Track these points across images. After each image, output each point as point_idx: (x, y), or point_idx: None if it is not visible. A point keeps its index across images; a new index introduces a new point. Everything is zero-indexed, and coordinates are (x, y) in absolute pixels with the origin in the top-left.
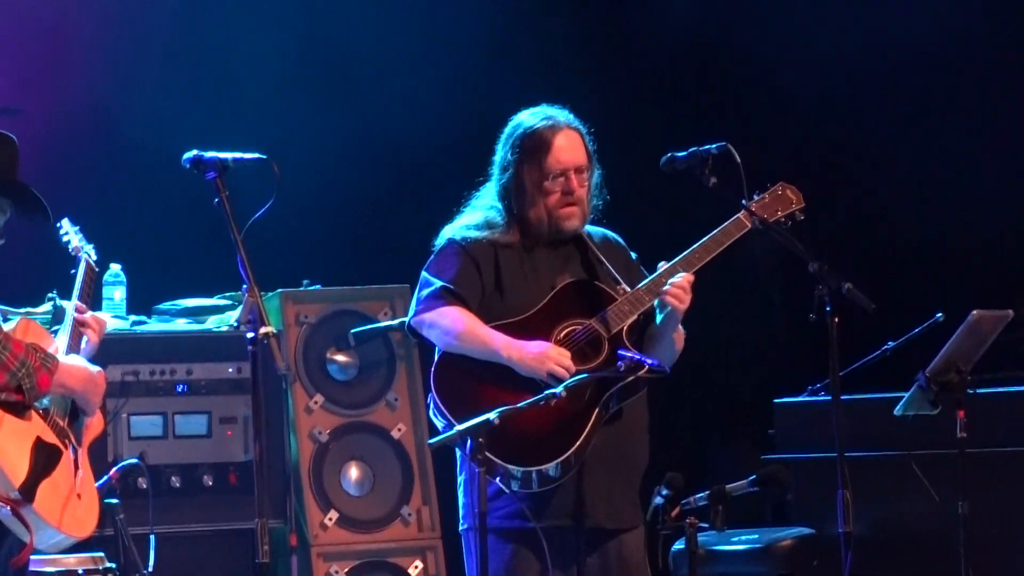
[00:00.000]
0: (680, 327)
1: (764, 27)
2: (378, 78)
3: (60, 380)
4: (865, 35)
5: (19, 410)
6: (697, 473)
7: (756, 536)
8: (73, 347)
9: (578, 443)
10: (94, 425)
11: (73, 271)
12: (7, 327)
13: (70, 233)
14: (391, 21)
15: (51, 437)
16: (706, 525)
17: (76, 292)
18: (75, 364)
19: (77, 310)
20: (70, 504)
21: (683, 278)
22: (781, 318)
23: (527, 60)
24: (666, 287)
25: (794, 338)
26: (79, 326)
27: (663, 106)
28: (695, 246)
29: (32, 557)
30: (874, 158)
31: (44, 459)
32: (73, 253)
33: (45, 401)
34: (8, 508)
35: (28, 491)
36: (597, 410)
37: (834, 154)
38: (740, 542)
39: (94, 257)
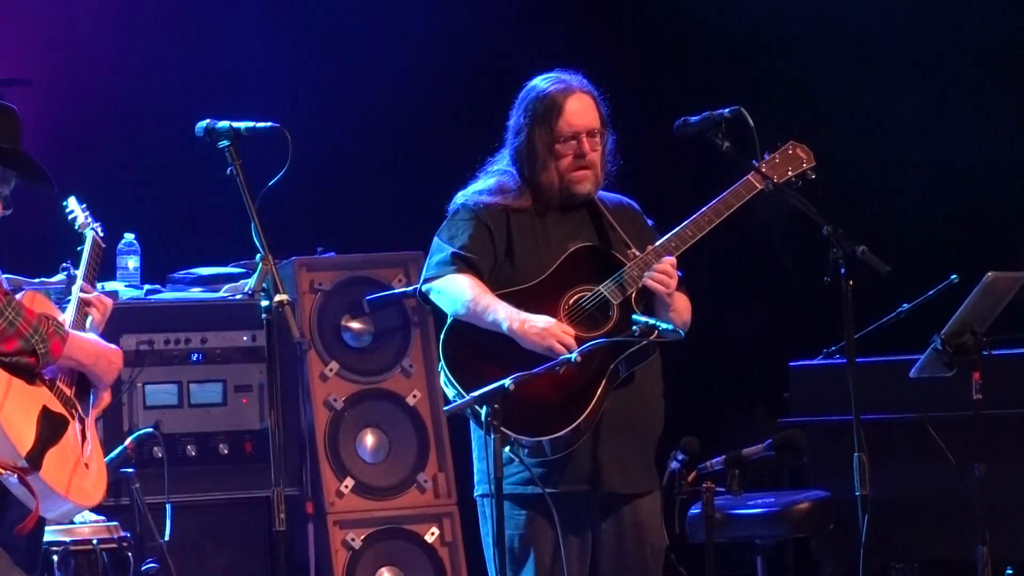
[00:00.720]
0: (684, 298)
1: None
2: (391, 43)
3: (70, 351)
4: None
5: (26, 378)
6: (713, 437)
7: (772, 500)
8: (78, 325)
9: (589, 409)
10: (105, 394)
11: (79, 248)
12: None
13: (76, 211)
14: None
15: (57, 406)
16: (722, 489)
17: (81, 270)
18: (87, 337)
19: (82, 289)
20: (77, 473)
21: (665, 263)
22: (795, 281)
23: (541, 25)
24: (648, 275)
25: (808, 301)
26: (84, 305)
27: (676, 70)
28: (705, 208)
29: (47, 527)
30: (889, 118)
31: (51, 428)
32: (79, 230)
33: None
34: (15, 476)
35: (35, 459)
36: (607, 375)
37: (848, 115)
38: (756, 506)
39: (101, 233)
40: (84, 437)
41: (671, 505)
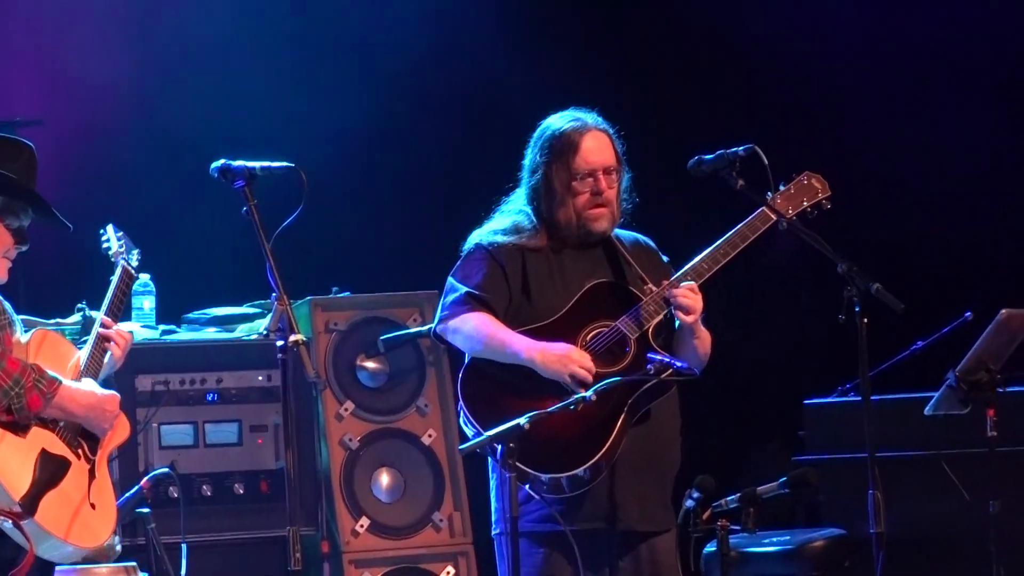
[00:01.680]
0: (702, 331)
1: (789, 25)
2: (406, 84)
3: (60, 403)
4: (893, 31)
5: (18, 425)
6: (728, 475)
7: (788, 537)
8: (95, 360)
9: (607, 446)
10: (118, 432)
11: (111, 277)
12: (24, 338)
13: (112, 239)
14: (419, 25)
15: (59, 448)
16: (738, 527)
17: (106, 303)
18: (79, 388)
19: (103, 324)
20: (81, 514)
21: (685, 286)
22: (810, 319)
23: (557, 65)
24: (673, 297)
25: (824, 339)
26: (103, 340)
27: (690, 109)
28: (720, 241)
29: (60, 567)
30: (902, 155)
31: (50, 470)
32: (112, 259)
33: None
34: (9, 521)
35: (30, 503)
36: (625, 413)
37: (862, 152)
38: (772, 544)
39: (135, 263)
40: (92, 476)
41: (686, 543)
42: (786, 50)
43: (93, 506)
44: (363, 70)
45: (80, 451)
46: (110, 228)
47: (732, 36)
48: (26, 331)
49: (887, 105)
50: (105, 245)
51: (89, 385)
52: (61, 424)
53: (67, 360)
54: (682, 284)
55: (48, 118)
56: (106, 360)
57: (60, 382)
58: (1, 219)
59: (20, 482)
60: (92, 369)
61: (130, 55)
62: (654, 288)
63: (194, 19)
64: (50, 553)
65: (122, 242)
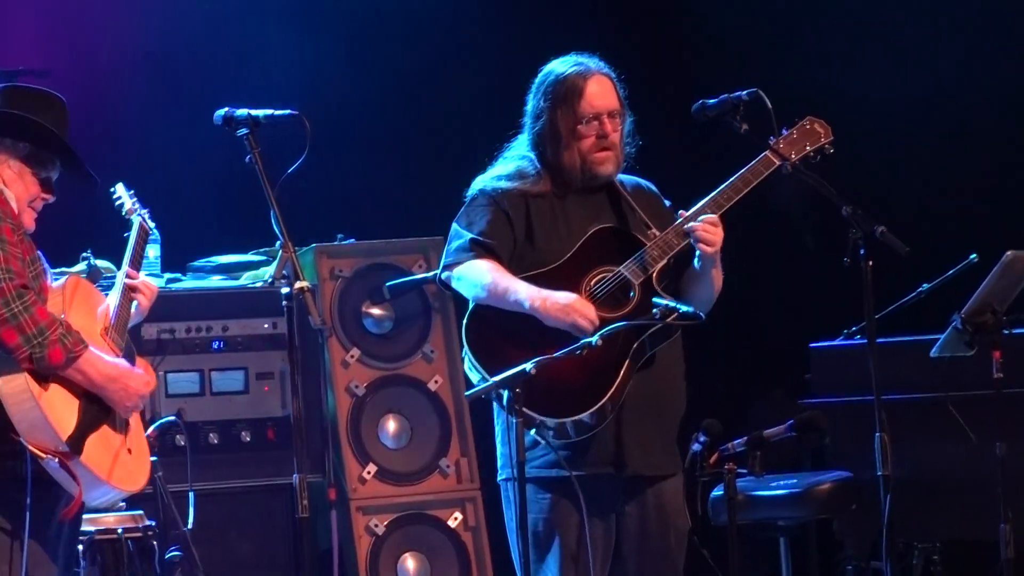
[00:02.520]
0: (720, 268)
1: None
2: (410, 29)
3: (81, 367)
4: None
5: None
6: (734, 419)
7: (794, 481)
8: (123, 310)
9: (612, 390)
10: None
11: (126, 234)
12: (56, 284)
13: (124, 197)
14: None
15: None
16: (744, 471)
17: (127, 256)
18: (106, 359)
19: (128, 275)
20: (120, 458)
21: (706, 219)
22: (815, 261)
23: (556, 11)
24: (694, 228)
25: (828, 282)
26: (130, 291)
27: (692, 53)
28: (723, 186)
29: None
30: (906, 98)
31: (93, 413)
32: (126, 216)
33: None
34: (56, 460)
35: (76, 444)
36: (630, 357)
37: (864, 95)
38: (778, 487)
39: (150, 222)
40: (127, 423)
41: (693, 487)
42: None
43: (130, 451)
44: (368, 15)
45: None
46: (120, 187)
47: None
48: (55, 277)
49: (890, 45)
50: (118, 203)
51: (117, 360)
52: None
53: (97, 308)
54: (702, 217)
55: (53, 68)
56: (133, 310)
57: (86, 346)
58: (29, 167)
59: (66, 423)
60: (122, 318)
61: (135, 5)
62: (658, 233)
63: None
64: (92, 495)
65: (134, 200)
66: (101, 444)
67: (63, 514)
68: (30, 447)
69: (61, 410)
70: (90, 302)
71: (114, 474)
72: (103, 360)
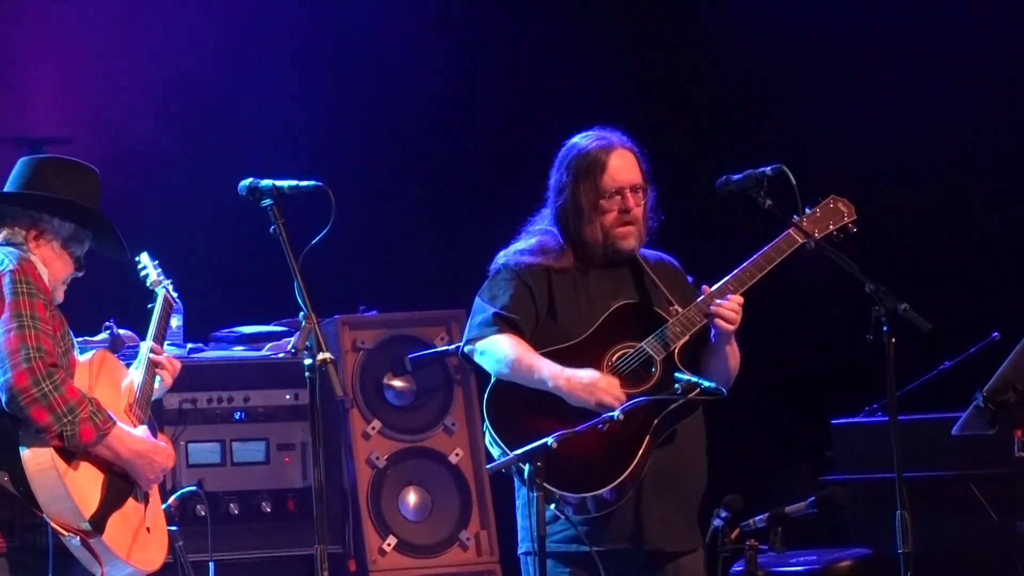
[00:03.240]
0: (735, 345)
1: (813, 47)
2: (434, 103)
3: (110, 443)
4: (923, 51)
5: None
6: (756, 495)
7: (815, 557)
8: (147, 385)
9: (632, 466)
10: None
11: (150, 306)
12: (83, 358)
13: (148, 267)
14: (443, 44)
15: (122, 470)
16: (765, 547)
17: (152, 329)
18: (134, 434)
19: (153, 351)
20: (139, 537)
21: (732, 299)
22: (838, 339)
23: (580, 83)
24: (715, 306)
25: (850, 358)
26: (154, 366)
27: (716, 128)
28: (746, 263)
29: None
30: (929, 175)
31: (116, 491)
32: (151, 287)
33: None
34: (78, 538)
35: (98, 523)
36: (651, 433)
37: (888, 171)
38: (799, 563)
39: (174, 293)
40: (147, 500)
41: (715, 562)
42: (812, 70)
43: (148, 529)
44: (390, 89)
45: None
46: (145, 256)
47: (757, 56)
48: (82, 350)
49: (908, 125)
50: (143, 273)
51: (143, 433)
52: None
53: (122, 383)
54: (729, 296)
55: (74, 136)
56: (156, 385)
57: (114, 422)
58: (67, 248)
59: (90, 501)
60: (146, 393)
61: (157, 74)
62: (680, 309)
63: (219, 40)
64: (112, 572)
65: (159, 270)
66: (123, 522)
67: None
68: (52, 524)
69: (85, 488)
70: (115, 376)
71: (133, 554)
72: (131, 435)
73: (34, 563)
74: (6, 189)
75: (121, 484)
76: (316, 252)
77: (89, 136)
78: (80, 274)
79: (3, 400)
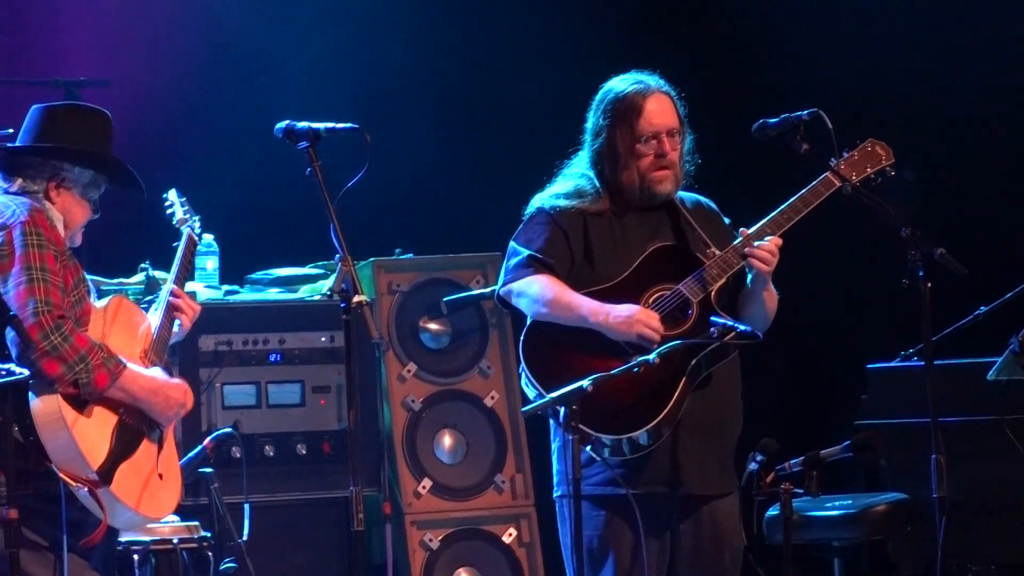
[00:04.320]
0: (772, 288)
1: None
2: (471, 43)
3: (123, 385)
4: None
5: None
6: (791, 439)
7: (850, 502)
8: (165, 328)
9: (667, 409)
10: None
11: (175, 244)
12: (100, 304)
13: (175, 205)
14: None
15: (133, 418)
16: (800, 491)
17: (173, 272)
18: (145, 373)
19: (173, 293)
20: (150, 485)
21: (770, 241)
22: (873, 282)
23: (619, 27)
24: (752, 249)
25: (886, 303)
26: (172, 309)
27: (751, 72)
28: (783, 206)
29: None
30: (963, 117)
31: (125, 441)
32: (176, 225)
33: None
34: (86, 489)
35: (106, 473)
36: (686, 376)
37: (922, 115)
38: (834, 507)
39: (198, 230)
40: (160, 446)
41: (749, 506)
42: (849, 16)
43: (161, 476)
44: (425, 30)
45: (151, 422)
46: (173, 193)
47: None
48: (98, 296)
49: (947, 72)
50: (169, 211)
51: (155, 372)
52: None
53: (139, 328)
54: (768, 238)
55: (111, 78)
56: (175, 329)
57: (125, 365)
58: (86, 194)
59: (98, 452)
60: (163, 337)
61: (195, 15)
62: (717, 252)
63: None
64: (119, 521)
65: (186, 208)
66: (132, 472)
67: (86, 541)
68: (61, 475)
69: (93, 438)
70: (132, 321)
71: (143, 502)
72: (142, 375)
73: (48, 508)
74: (21, 140)
75: (132, 433)
76: (352, 194)
77: (126, 78)
78: (96, 216)
79: (14, 355)
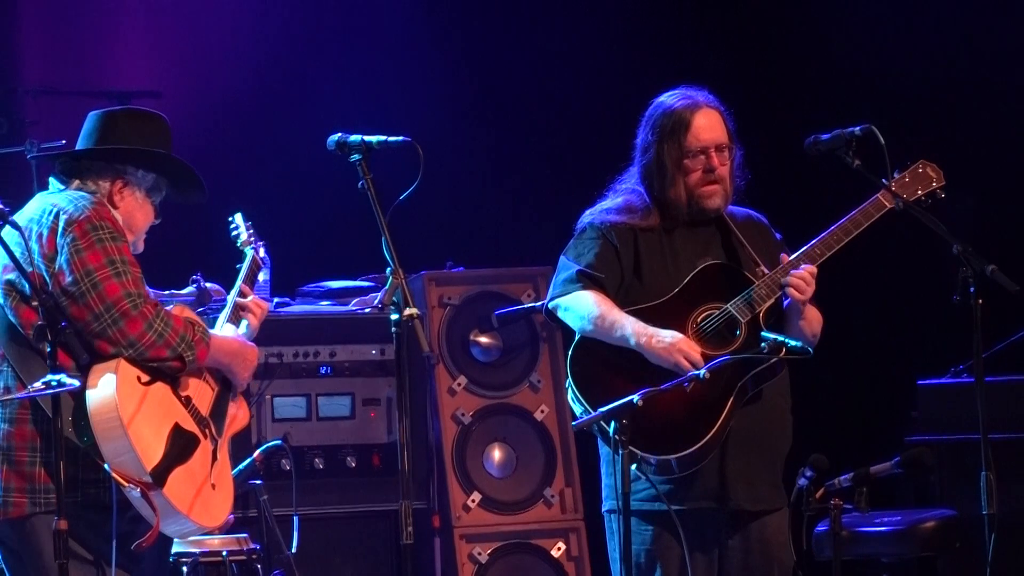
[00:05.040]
0: (815, 309)
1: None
2: (525, 59)
3: (213, 354)
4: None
5: (162, 395)
6: (841, 455)
7: (899, 518)
8: (229, 331)
9: (716, 428)
10: (239, 417)
11: (238, 266)
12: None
13: (241, 228)
14: (538, 8)
15: (190, 424)
16: (850, 507)
17: (240, 279)
18: (224, 337)
19: (241, 292)
20: (203, 493)
21: (805, 270)
22: (924, 299)
23: (668, 43)
24: (787, 278)
25: (937, 319)
26: (240, 310)
27: (804, 88)
28: (834, 227)
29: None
30: (1019, 134)
31: (181, 445)
32: (241, 247)
33: (188, 391)
34: (138, 490)
35: (160, 475)
36: (734, 394)
37: (975, 133)
38: (883, 524)
39: (262, 253)
40: (215, 457)
41: (799, 522)
42: (900, 34)
43: (214, 486)
44: (479, 45)
45: (207, 431)
46: (239, 216)
47: (847, 19)
48: (168, 304)
49: (998, 88)
50: (235, 233)
51: (228, 331)
52: (191, 403)
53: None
54: (803, 267)
55: (163, 89)
56: (243, 331)
57: (212, 334)
58: (150, 197)
59: (153, 453)
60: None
61: (247, 27)
62: (766, 271)
63: None
64: (170, 527)
65: (251, 232)
66: (186, 477)
67: (138, 544)
68: (114, 474)
69: (149, 440)
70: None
71: (195, 509)
72: (224, 339)
73: (96, 519)
74: (81, 144)
75: (187, 439)
76: (404, 208)
77: (178, 90)
78: (158, 221)
79: (122, 353)
